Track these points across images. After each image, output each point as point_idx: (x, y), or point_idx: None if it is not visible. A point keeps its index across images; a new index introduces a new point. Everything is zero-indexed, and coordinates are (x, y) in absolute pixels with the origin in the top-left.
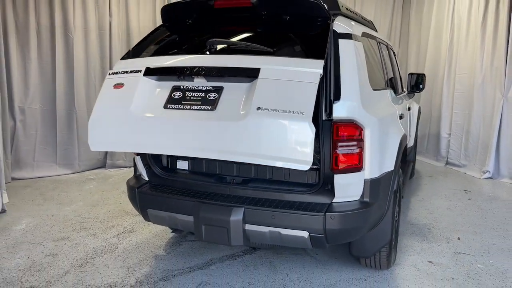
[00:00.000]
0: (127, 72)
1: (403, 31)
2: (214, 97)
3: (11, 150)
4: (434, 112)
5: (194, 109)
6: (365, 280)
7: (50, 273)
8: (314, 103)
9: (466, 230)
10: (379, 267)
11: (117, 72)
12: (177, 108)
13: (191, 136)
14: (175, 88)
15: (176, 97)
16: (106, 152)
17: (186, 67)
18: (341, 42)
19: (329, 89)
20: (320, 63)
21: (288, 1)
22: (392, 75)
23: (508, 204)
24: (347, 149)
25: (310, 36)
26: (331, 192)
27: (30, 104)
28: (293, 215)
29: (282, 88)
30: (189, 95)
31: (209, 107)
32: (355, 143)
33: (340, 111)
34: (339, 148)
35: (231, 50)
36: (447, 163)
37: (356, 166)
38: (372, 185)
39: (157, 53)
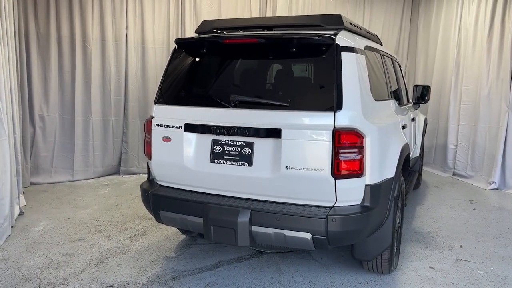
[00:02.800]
0: (169, 126)
1: (411, 44)
2: (248, 152)
3: (31, 156)
4: (441, 123)
5: (235, 165)
6: (367, 283)
7: (67, 271)
8: (331, 157)
9: (469, 239)
10: (381, 271)
11: (160, 125)
12: (221, 163)
13: (234, 185)
14: (215, 142)
15: (217, 151)
16: (120, 159)
17: (221, 127)
18: (344, 55)
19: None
20: (331, 115)
21: (293, 39)
22: (397, 87)
23: None
24: (349, 155)
25: (319, 68)
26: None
27: (50, 112)
28: (297, 217)
29: (303, 148)
30: (227, 149)
31: (246, 164)
32: (356, 150)
33: (342, 119)
34: (341, 155)
35: (252, 102)
36: (454, 174)
37: (357, 172)
38: (373, 190)
39: (186, 98)
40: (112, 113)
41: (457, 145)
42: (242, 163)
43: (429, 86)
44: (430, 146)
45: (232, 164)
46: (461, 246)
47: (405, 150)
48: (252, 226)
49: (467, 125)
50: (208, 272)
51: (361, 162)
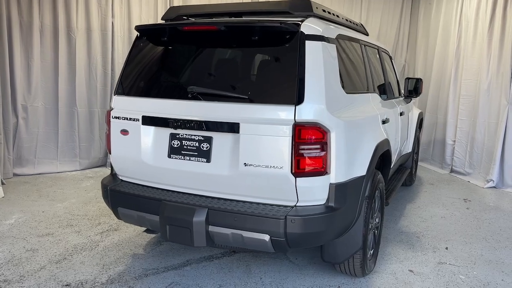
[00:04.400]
0: (127, 119)
1: (411, 36)
2: (207, 148)
3: (13, 147)
4: (439, 118)
5: (193, 161)
6: (339, 287)
7: (26, 268)
8: (291, 153)
9: (456, 240)
10: (354, 274)
11: (118, 117)
12: (179, 159)
13: (192, 181)
14: (173, 136)
15: (175, 146)
16: (107, 151)
17: (179, 120)
18: (309, 44)
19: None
20: (291, 109)
21: (254, 27)
22: (382, 79)
23: (507, 214)
24: (310, 152)
25: (281, 57)
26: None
27: (33, 102)
28: (254, 218)
29: (262, 144)
30: (186, 144)
31: (205, 160)
32: (318, 146)
33: (303, 113)
34: (302, 151)
35: (209, 94)
36: (452, 170)
37: (320, 169)
38: (338, 189)
39: (144, 89)
40: (98, 103)
41: (455, 141)
42: (200, 159)
43: (421, 79)
44: (428, 142)
45: (190, 160)
46: (446, 248)
47: (382, 146)
48: (209, 226)
49: (466, 120)
50: (174, 271)
51: (324, 159)
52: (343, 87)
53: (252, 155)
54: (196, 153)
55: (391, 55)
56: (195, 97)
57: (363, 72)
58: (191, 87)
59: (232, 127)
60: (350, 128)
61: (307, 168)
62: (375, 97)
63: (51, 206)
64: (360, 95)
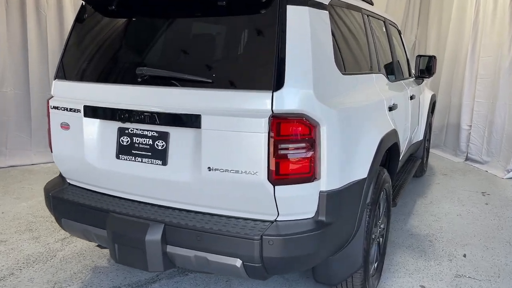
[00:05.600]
0: (67, 109)
1: (423, 10)
2: (162, 146)
3: None
4: (454, 100)
5: (146, 162)
6: None
7: None
8: (267, 155)
9: (475, 244)
10: None
11: (57, 107)
12: (129, 160)
13: (146, 189)
14: (122, 132)
15: (124, 144)
16: None
17: (127, 111)
18: (291, 9)
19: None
20: (267, 96)
21: None
22: (390, 57)
23: None
24: (293, 153)
25: (256, 28)
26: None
27: (1, 88)
28: (222, 237)
29: (230, 142)
30: (137, 141)
31: (160, 162)
32: (303, 144)
33: (283, 101)
34: (282, 152)
35: (164, 77)
36: (467, 158)
37: (306, 175)
38: (331, 199)
39: (88, 72)
40: None
41: (471, 125)
42: (154, 160)
43: (434, 57)
44: (441, 127)
45: (142, 161)
46: (464, 256)
47: (388, 139)
48: (167, 246)
49: (484, 103)
50: None
51: (312, 162)
52: (338, 66)
53: (218, 156)
54: (150, 153)
55: (400, 29)
56: (146, 81)
57: (366, 47)
58: (140, 68)
59: (192, 121)
60: (347, 119)
61: (289, 174)
62: (380, 79)
63: (14, 206)
64: (362, 76)
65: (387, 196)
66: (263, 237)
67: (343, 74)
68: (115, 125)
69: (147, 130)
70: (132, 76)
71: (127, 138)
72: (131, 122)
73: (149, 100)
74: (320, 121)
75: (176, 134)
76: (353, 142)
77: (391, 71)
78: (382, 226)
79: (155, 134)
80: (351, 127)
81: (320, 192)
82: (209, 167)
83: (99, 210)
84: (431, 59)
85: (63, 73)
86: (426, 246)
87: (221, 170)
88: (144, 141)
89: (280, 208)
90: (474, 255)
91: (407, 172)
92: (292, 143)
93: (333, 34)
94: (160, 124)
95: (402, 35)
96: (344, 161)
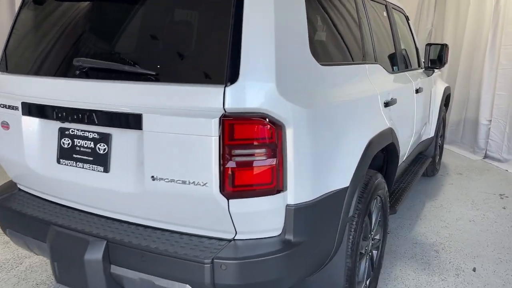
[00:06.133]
0: (6, 107)
1: None
2: (104, 150)
3: None
4: (472, 93)
5: (87, 169)
6: None
7: None
8: (218, 163)
9: (488, 256)
10: None
11: None
12: (70, 165)
13: (89, 199)
14: (62, 132)
15: (65, 146)
16: None
17: (67, 109)
18: None
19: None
20: (219, 92)
21: None
22: (393, 46)
23: None
24: (250, 160)
25: (208, 10)
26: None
27: None
28: (169, 259)
29: (174, 146)
30: (78, 144)
31: (101, 168)
32: (263, 150)
33: (238, 98)
34: (236, 159)
35: (104, 70)
36: (486, 156)
37: (267, 186)
38: (301, 214)
39: (29, 64)
40: None
41: (491, 120)
42: (96, 167)
43: (446, 45)
44: (458, 122)
45: (83, 167)
46: (474, 270)
47: (381, 139)
48: (112, 266)
49: (505, 96)
50: None
51: (274, 170)
52: (315, 55)
53: (162, 164)
54: (91, 158)
55: (407, 15)
56: (86, 74)
57: (358, 34)
58: (77, 59)
59: (132, 121)
60: (324, 119)
61: (246, 185)
62: (376, 70)
63: None
64: (349, 68)
65: (383, 203)
66: (215, 260)
67: (321, 64)
68: (55, 125)
69: (88, 131)
70: (71, 68)
71: (68, 140)
72: (70, 121)
73: (88, 96)
74: (285, 121)
75: (119, 137)
76: (331, 146)
77: (393, 61)
78: (377, 237)
79: (96, 136)
80: (329, 128)
81: (287, 206)
82: (152, 176)
83: (40, 221)
84: (443, 48)
85: (5, 64)
86: (431, 257)
87: (166, 180)
88: (85, 143)
89: (237, 225)
90: (485, 269)
91: (413, 173)
92: (248, 149)
93: (309, 16)
94: (100, 124)
95: (410, 21)
96: (318, 168)
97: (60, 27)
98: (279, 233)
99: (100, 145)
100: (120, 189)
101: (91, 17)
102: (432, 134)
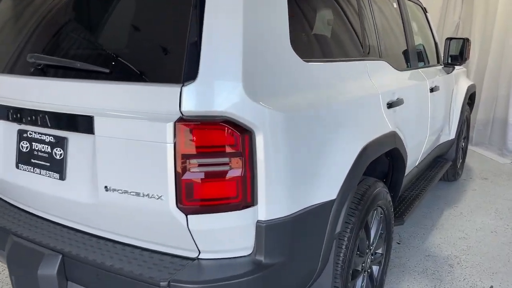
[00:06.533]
0: None
1: None
2: (60, 156)
3: None
4: (501, 90)
5: (44, 175)
6: None
7: None
8: (174, 173)
9: (508, 273)
10: None
11: None
12: (28, 171)
13: (48, 208)
14: (21, 135)
15: (24, 150)
16: None
17: (24, 110)
18: None
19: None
20: (175, 92)
21: None
22: (405, 40)
23: None
24: (211, 170)
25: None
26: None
27: None
28: (123, 279)
29: (127, 153)
30: (36, 148)
31: (57, 175)
32: (226, 159)
33: (197, 99)
34: (195, 169)
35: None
36: None
37: (232, 200)
38: (274, 231)
39: None
40: None
41: None
42: (52, 173)
43: (467, 39)
44: (486, 122)
45: (41, 173)
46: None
47: (380, 145)
48: (69, 283)
49: None
50: None
51: (241, 182)
52: (298, 50)
53: (116, 173)
54: (48, 164)
55: (424, 6)
56: (41, 71)
57: (358, 26)
58: (31, 54)
59: (84, 124)
60: (304, 123)
61: (207, 199)
62: (380, 67)
63: None
64: (343, 65)
65: (385, 214)
66: (171, 283)
67: (306, 61)
68: (15, 127)
69: (45, 135)
70: (26, 65)
71: (26, 144)
72: (27, 123)
73: (42, 96)
74: (254, 127)
75: (74, 141)
76: (314, 154)
77: (403, 57)
78: (379, 251)
79: (52, 139)
80: (311, 133)
81: (258, 222)
82: (106, 186)
83: (1, 228)
84: (464, 43)
85: None
86: (444, 272)
87: (119, 191)
88: (42, 147)
89: (199, 243)
90: None
91: (429, 179)
92: (208, 158)
93: (293, 4)
94: (54, 127)
95: (427, 14)
96: (297, 180)
97: (14, 22)
98: (249, 252)
99: (56, 149)
100: (75, 199)
101: (45, 12)
102: (452, 136)
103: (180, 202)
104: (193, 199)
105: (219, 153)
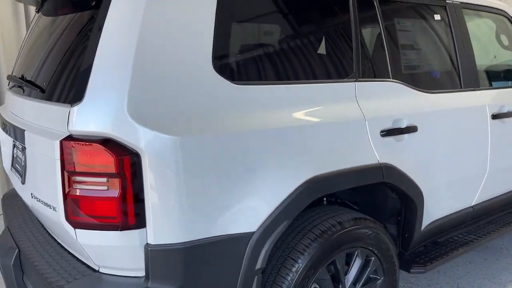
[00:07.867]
0: None
1: None
2: (24, 161)
3: None
4: None
5: (17, 178)
6: None
7: None
8: (62, 188)
9: None
10: None
11: None
12: (14, 172)
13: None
14: (14, 143)
15: (15, 155)
16: None
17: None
18: None
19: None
20: (65, 112)
21: None
22: (454, 58)
23: None
24: (90, 189)
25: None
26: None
27: None
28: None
29: (39, 166)
30: (17, 154)
31: (21, 179)
32: (104, 180)
33: (82, 119)
34: (77, 186)
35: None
36: None
37: (110, 220)
38: (162, 257)
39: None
40: None
41: None
42: (19, 176)
43: None
44: None
45: (16, 176)
46: None
47: (346, 179)
48: (25, 275)
49: None
50: None
51: (120, 204)
52: (225, 71)
53: (35, 182)
54: (20, 168)
55: (510, 16)
56: (19, 88)
57: (343, 43)
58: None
59: (21, 136)
60: (207, 149)
61: (88, 216)
62: (386, 89)
63: None
64: (294, 87)
65: (381, 260)
66: None
67: (236, 83)
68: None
69: (19, 143)
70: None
71: (15, 150)
72: (7, 132)
73: (15, 109)
74: (138, 150)
75: (29, 150)
76: (223, 183)
77: (447, 77)
78: None
79: (20, 148)
80: (223, 161)
81: (148, 245)
82: (31, 194)
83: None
84: None
85: None
86: None
87: (37, 200)
88: (19, 154)
89: (92, 257)
90: None
91: (501, 224)
92: (87, 176)
93: (228, 16)
94: (13, 136)
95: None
96: (197, 208)
97: None
98: (143, 275)
99: (23, 156)
100: (27, 202)
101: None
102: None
103: (67, 216)
104: (78, 214)
105: (97, 173)
